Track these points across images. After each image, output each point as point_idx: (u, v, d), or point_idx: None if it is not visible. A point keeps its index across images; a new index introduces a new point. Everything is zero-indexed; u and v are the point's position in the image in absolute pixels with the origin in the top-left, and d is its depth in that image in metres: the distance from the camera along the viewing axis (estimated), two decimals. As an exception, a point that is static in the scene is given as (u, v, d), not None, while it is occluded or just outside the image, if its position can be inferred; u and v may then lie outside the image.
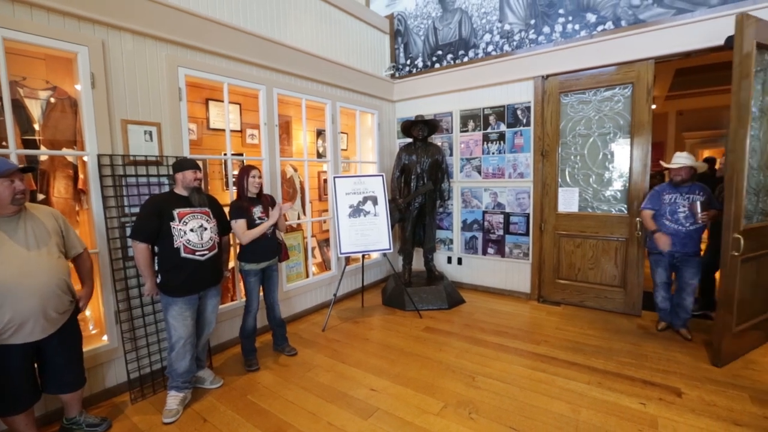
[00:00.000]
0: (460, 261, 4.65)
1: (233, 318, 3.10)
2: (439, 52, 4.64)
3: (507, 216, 4.23)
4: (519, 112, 4.07)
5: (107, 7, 2.34)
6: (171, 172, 2.58)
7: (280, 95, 3.45)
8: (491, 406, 2.25)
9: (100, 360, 2.38)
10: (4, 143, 2.19)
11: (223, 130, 3.39)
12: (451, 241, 4.67)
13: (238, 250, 2.83)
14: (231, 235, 2.82)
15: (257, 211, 2.69)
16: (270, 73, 3.37)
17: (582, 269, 3.85)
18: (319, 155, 4.85)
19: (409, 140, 4.26)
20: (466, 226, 4.55)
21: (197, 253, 2.28)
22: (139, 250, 2.19)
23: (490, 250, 4.39)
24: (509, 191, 4.20)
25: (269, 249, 2.77)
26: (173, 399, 2.28)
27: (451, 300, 4.00)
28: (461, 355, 2.90)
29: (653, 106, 3.45)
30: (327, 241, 4.56)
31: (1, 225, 1.72)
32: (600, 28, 3.53)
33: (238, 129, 4.05)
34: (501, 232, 4.29)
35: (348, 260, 3.97)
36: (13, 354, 1.74)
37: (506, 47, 4.13)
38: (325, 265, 4.51)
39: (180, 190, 2.33)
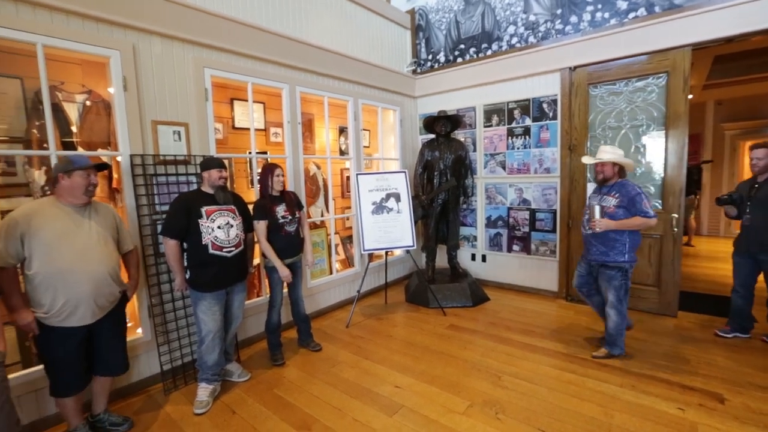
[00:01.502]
0: (484, 258, 4.57)
1: (259, 313, 3.16)
2: (462, 46, 4.56)
3: (533, 212, 4.13)
4: (545, 105, 3.95)
5: (138, 13, 2.41)
6: (198, 171, 2.65)
7: (303, 93, 3.48)
8: (519, 406, 2.20)
9: (135, 351, 2.47)
10: (45, 145, 2.30)
11: (248, 129, 3.45)
12: (475, 237, 4.60)
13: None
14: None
15: (280, 209, 2.72)
16: (293, 72, 3.40)
17: (613, 267, 3.70)
18: (342, 152, 4.87)
19: (432, 136, 4.21)
20: (490, 223, 4.46)
21: (224, 250, 2.32)
22: (170, 246, 2.26)
23: (516, 247, 4.29)
24: (535, 187, 4.09)
25: (293, 246, 2.80)
26: (203, 391, 2.35)
27: (475, 297, 3.94)
28: (487, 354, 2.85)
29: (689, 96, 3.27)
30: (350, 238, 4.58)
31: (72, 213, 1.87)
32: (632, 15, 3.38)
33: (262, 128, 4.11)
34: (527, 229, 4.18)
35: (371, 257, 3.97)
36: (68, 336, 1.85)
37: (531, 39, 4.01)
38: (348, 262, 4.54)
39: (207, 189, 2.38)
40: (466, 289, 3.95)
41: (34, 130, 2.47)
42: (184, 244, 2.32)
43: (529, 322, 3.42)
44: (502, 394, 2.34)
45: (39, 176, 2.48)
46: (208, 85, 2.80)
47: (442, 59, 4.75)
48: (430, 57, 4.87)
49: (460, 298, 3.90)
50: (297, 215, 2.82)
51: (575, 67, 3.72)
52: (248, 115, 3.32)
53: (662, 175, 3.39)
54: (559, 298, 3.98)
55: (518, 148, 4.18)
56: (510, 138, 4.23)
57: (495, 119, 4.32)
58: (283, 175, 2.75)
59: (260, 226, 2.64)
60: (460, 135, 4.54)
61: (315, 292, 3.69)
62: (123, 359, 2.12)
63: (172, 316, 2.59)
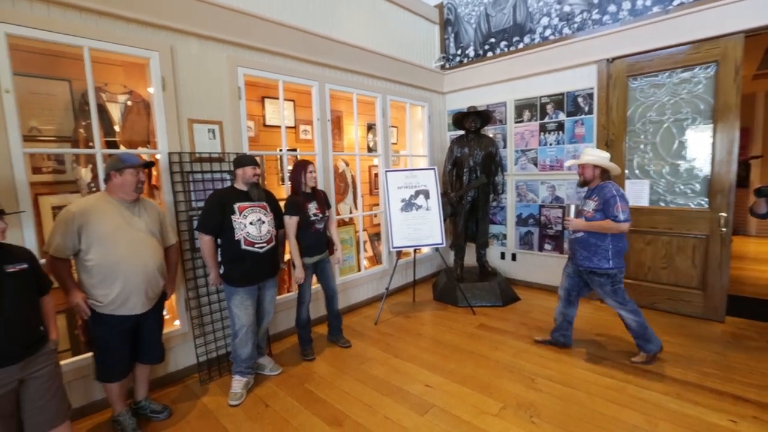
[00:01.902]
0: (514, 257, 4.46)
1: (289, 309, 3.20)
2: (492, 40, 4.45)
3: (566, 210, 3.99)
4: (580, 99, 3.80)
5: (175, 14, 2.48)
6: (232, 168, 2.71)
7: (332, 90, 3.49)
8: (554, 410, 2.13)
9: (173, 343, 2.56)
10: (91, 144, 2.41)
11: (278, 127, 3.50)
12: (505, 236, 4.49)
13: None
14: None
15: (312, 207, 2.74)
16: (322, 69, 3.41)
17: (653, 268, 3.53)
18: (370, 149, 4.87)
19: (461, 132, 4.14)
20: (520, 221, 4.35)
21: (256, 246, 2.37)
22: (205, 242, 2.32)
23: (547, 246, 4.16)
24: (569, 184, 3.94)
25: (321, 244, 2.83)
26: (237, 383, 2.40)
27: (505, 297, 3.85)
28: (519, 355, 2.78)
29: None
30: (377, 235, 4.57)
31: (123, 209, 1.97)
32: (677, 2, 3.19)
33: (292, 125, 4.16)
34: (559, 228, 4.05)
35: (399, 254, 3.95)
36: (119, 324, 1.95)
37: (566, 30, 3.86)
38: (375, 259, 4.54)
39: (240, 185, 2.42)
40: (496, 288, 3.87)
41: (81, 130, 2.59)
42: (218, 240, 2.38)
43: (562, 324, 3.30)
44: (537, 397, 2.27)
45: (86, 173, 2.60)
46: (241, 83, 2.85)
47: (472, 54, 4.65)
48: (459, 52, 4.78)
49: (490, 297, 3.82)
50: (326, 213, 2.84)
51: (613, 59, 3.55)
52: (279, 113, 3.37)
53: (708, 171, 3.19)
54: (594, 300, 3.83)
55: (551, 144, 4.04)
56: (542, 134, 4.10)
57: (526, 114, 4.20)
58: (315, 171, 2.77)
59: (291, 222, 2.67)
60: (489, 131, 4.44)
61: (342, 289, 3.71)
62: (162, 349, 2.22)
63: (207, 310, 2.66)
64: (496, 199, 4.27)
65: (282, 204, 2.71)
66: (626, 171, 3.59)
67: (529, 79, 4.14)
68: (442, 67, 4.88)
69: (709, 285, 3.24)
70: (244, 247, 2.33)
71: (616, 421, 2.02)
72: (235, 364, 2.44)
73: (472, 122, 3.94)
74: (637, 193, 3.56)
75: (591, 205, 2.53)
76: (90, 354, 2.21)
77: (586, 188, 2.70)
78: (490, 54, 4.48)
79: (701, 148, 3.21)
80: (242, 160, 2.40)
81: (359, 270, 3.96)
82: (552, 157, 4.05)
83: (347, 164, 4.54)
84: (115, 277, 1.89)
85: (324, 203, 2.84)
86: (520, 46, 4.21)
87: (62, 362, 2.11)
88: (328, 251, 2.93)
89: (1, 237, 1.51)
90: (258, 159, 2.53)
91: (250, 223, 2.36)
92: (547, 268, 4.20)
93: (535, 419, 2.06)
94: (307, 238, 2.73)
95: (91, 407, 2.26)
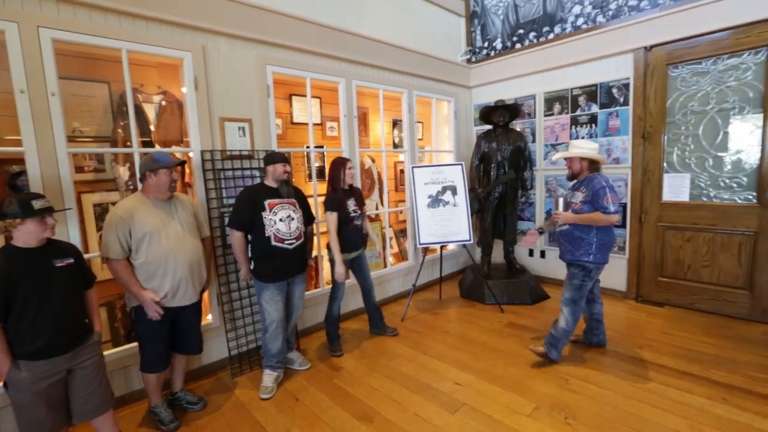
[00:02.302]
0: (543, 254, 4.35)
1: (316, 305, 3.23)
2: (521, 31, 4.32)
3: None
4: (615, 90, 3.64)
5: (206, 15, 2.53)
6: (261, 165, 2.75)
7: (359, 86, 3.48)
8: (590, 412, 2.06)
9: (205, 336, 2.60)
10: (128, 143, 2.50)
11: (305, 124, 3.53)
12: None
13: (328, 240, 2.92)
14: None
15: (351, 203, 2.76)
16: (349, 66, 3.41)
17: (693, 267, 3.36)
18: (395, 145, 4.84)
19: (488, 127, 4.05)
20: (550, 217, 4.21)
21: (286, 242, 2.39)
22: (236, 238, 2.36)
23: (579, 244, 4.02)
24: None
25: (359, 240, 2.85)
26: (268, 377, 2.45)
27: (534, 295, 3.76)
28: (550, 355, 2.70)
29: (796, 72, 2.85)
30: (403, 231, 4.55)
31: (161, 207, 2.04)
32: (723, -17, 2.99)
33: (319, 122, 4.19)
34: (592, 224, 3.90)
35: (425, 251, 3.92)
36: (165, 317, 2.01)
37: (600, 18, 3.70)
38: (401, 255, 4.52)
39: (270, 182, 2.45)
40: (525, 285, 3.78)
41: (119, 130, 2.69)
42: (249, 236, 2.42)
43: (595, 323, 3.19)
44: (571, 398, 2.20)
45: (123, 172, 2.70)
46: (270, 81, 2.88)
47: (499, 46, 4.54)
48: (485, 44, 4.67)
49: (518, 294, 3.74)
50: (364, 210, 2.86)
51: (651, 47, 3.38)
52: (306, 111, 3.39)
53: (757, 163, 2.99)
54: (628, 299, 3.69)
55: (583, 138, 3.90)
56: (574, 127, 3.96)
57: (557, 107, 4.07)
58: (353, 168, 2.79)
59: (332, 218, 2.67)
60: (517, 125, 4.33)
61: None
62: (201, 341, 2.28)
63: (238, 305, 2.72)
64: (524, 194, 4.17)
65: (321, 201, 2.73)
66: (665, 164, 3.43)
67: (560, 70, 4.00)
68: (468, 60, 4.79)
69: (756, 285, 3.05)
70: (273, 243, 2.36)
71: (656, 425, 1.94)
72: (266, 358, 2.48)
73: (500, 116, 3.85)
74: (677, 187, 3.39)
75: (579, 197, 2.45)
76: (130, 345, 2.31)
77: (575, 181, 2.62)
78: (518, 46, 4.35)
79: (749, 138, 3.02)
80: (273, 157, 2.42)
81: (385, 266, 3.95)
82: (584, 151, 3.90)
83: (373, 160, 4.53)
84: (165, 272, 1.97)
85: (361, 200, 2.87)
86: (551, 36, 4.07)
87: (104, 353, 2.21)
88: (364, 247, 2.95)
89: (50, 233, 1.59)
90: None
91: (280, 220, 2.38)
92: (578, 265, 4.06)
93: (570, 420, 2.00)
94: (347, 234, 2.75)
95: (130, 396, 2.35)
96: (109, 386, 1.81)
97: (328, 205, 2.67)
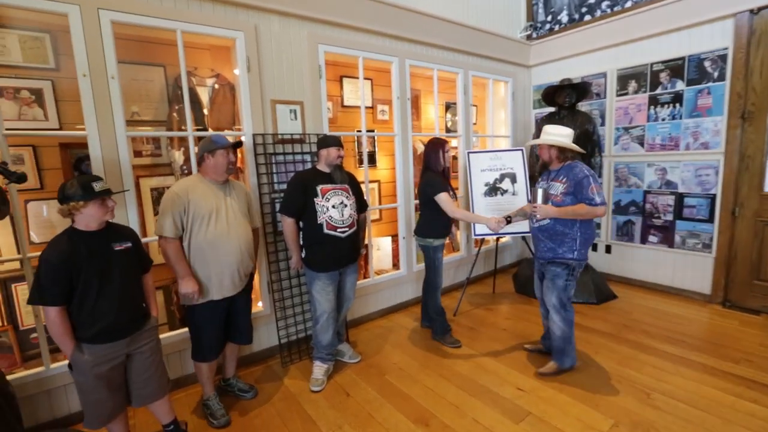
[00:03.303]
0: (608, 249, 3.96)
1: (365, 295, 3.13)
2: (591, 1, 3.88)
3: (680, 197, 3.40)
4: (707, 63, 3.16)
5: (258, -9, 2.43)
6: (313, 150, 2.64)
7: (412, 67, 3.27)
8: (682, 435, 1.79)
9: (256, 324, 2.59)
10: (183, 127, 2.48)
11: (356, 107, 3.38)
12: (599, 225, 3.99)
13: (419, 224, 2.79)
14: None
15: (448, 187, 2.64)
16: (402, 44, 3.21)
17: (799, 269, 2.88)
18: (448, 130, 4.59)
19: (550, 109, 3.70)
20: (619, 209, 3.82)
21: (338, 230, 2.27)
22: (287, 224, 2.27)
23: (653, 239, 3.61)
24: (685, 166, 3.35)
25: (450, 224, 2.74)
26: (318, 369, 2.38)
27: (600, 294, 3.42)
28: (625, 363, 2.42)
29: None
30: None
31: (216, 190, 1.98)
32: None
33: (370, 105, 4.03)
34: (670, 217, 3.48)
35: (480, 242, 3.69)
36: (213, 307, 1.98)
37: (691, -20, 3.21)
38: (452, 247, 4.31)
39: (322, 167, 2.33)
40: (589, 283, 3.45)
41: (174, 114, 2.68)
42: (300, 223, 2.33)
43: (674, 329, 2.84)
44: (655, 415, 1.93)
45: (179, 156, 2.70)
46: (322, 61, 2.75)
47: (565, 19, 4.12)
48: (549, 18, 4.26)
49: (582, 293, 3.42)
50: (456, 192, 2.76)
51: (759, 9, 2.87)
52: (357, 93, 3.24)
53: None
54: (714, 303, 3.26)
55: (664, 120, 3.45)
56: (652, 107, 3.51)
57: (632, 86, 3.62)
58: (450, 151, 2.68)
59: (445, 197, 2.53)
60: (583, 107, 3.92)
61: (417, 278, 3.55)
62: (251, 330, 2.23)
63: (288, 293, 2.67)
64: (590, 183, 3.78)
65: (423, 184, 2.63)
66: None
67: (638, 43, 3.55)
68: (528, 37, 4.40)
69: None
70: (326, 231, 2.25)
71: (770, 458, 1.64)
72: (316, 350, 2.41)
73: (566, 96, 3.47)
74: (783, 176, 2.90)
75: (559, 188, 2.17)
76: (184, 330, 2.31)
77: (549, 170, 2.32)
78: (588, 17, 3.92)
79: None
80: (327, 140, 2.30)
81: (436, 257, 3.77)
82: (664, 135, 3.46)
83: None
84: (211, 258, 1.91)
85: (450, 183, 2.74)
86: (628, 4, 3.61)
87: (160, 336, 2.23)
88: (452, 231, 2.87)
89: (110, 215, 1.56)
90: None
91: (333, 207, 2.27)
92: (650, 263, 3.66)
93: (658, 443, 1.75)
94: (445, 218, 2.63)
95: (185, 379, 2.38)
96: (166, 371, 1.80)
97: (437, 187, 2.53)
